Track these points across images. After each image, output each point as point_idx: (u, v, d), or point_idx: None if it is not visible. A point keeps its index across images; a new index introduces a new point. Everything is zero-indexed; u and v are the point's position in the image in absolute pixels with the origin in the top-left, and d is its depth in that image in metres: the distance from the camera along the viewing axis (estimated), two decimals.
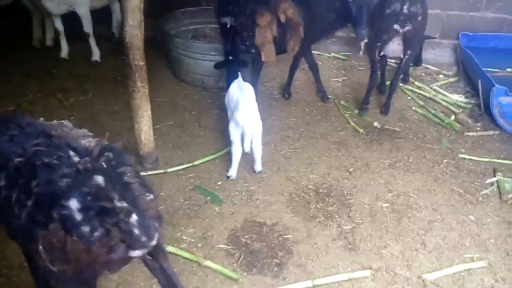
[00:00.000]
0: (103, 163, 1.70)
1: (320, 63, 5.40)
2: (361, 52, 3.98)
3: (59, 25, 4.93)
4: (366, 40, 3.82)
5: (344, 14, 3.84)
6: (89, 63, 5.08)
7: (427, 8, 4.15)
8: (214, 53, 4.45)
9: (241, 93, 3.44)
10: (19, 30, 5.46)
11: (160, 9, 5.22)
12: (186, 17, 5.23)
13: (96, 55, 5.11)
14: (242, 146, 3.32)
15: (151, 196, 1.79)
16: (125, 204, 1.63)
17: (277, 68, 5.27)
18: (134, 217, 1.64)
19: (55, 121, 1.96)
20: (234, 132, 3.32)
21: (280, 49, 4.00)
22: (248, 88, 3.53)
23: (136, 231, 1.64)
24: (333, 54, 5.65)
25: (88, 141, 1.82)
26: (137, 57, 2.97)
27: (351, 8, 3.68)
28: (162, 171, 3.50)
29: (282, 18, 3.78)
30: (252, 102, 3.41)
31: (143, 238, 1.66)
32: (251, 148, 3.34)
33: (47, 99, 4.38)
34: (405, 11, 3.85)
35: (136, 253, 1.71)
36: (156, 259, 1.95)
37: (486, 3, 5.16)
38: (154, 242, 1.71)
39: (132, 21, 2.83)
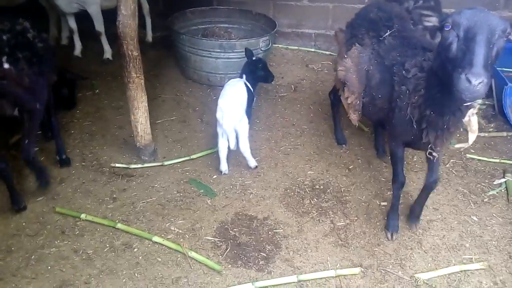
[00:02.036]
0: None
1: (331, 63, 5.34)
2: (470, 139, 2.40)
3: (72, 23, 5.06)
4: (477, 106, 2.29)
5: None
6: (101, 61, 5.18)
7: (441, 5, 4.02)
8: (219, 50, 4.45)
9: (224, 91, 3.41)
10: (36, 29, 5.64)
11: (173, 9, 5.29)
12: (196, 16, 5.26)
13: (107, 53, 5.21)
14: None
15: (10, 67, 2.63)
16: None
17: (286, 67, 5.26)
18: None
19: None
20: (217, 128, 3.32)
21: None
22: (234, 87, 3.45)
23: None
24: None
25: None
26: (131, 47, 2.99)
27: (449, 41, 2.03)
28: (159, 163, 3.50)
29: None
30: (231, 102, 3.29)
31: None
32: (238, 146, 3.31)
33: None
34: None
35: None
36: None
37: (504, 2, 4.96)
38: None
39: (125, 10, 2.86)
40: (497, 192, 3.29)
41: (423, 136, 2.44)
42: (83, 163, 3.50)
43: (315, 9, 5.54)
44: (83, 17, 5.01)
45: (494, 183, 3.39)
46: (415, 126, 2.44)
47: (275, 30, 4.82)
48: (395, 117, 2.57)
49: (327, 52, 5.56)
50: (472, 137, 2.35)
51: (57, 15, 5.34)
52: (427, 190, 2.83)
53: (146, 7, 5.56)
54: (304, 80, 4.96)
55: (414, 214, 2.95)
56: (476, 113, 2.36)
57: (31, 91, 2.83)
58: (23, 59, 2.75)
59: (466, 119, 2.32)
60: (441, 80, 2.17)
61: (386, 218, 2.99)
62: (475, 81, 1.86)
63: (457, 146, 2.63)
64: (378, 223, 3.00)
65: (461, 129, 2.46)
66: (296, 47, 5.73)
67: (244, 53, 4.31)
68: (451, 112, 2.29)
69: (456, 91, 1.95)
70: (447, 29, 2.04)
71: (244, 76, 3.65)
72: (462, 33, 1.97)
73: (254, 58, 3.72)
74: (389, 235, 2.89)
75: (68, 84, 4.10)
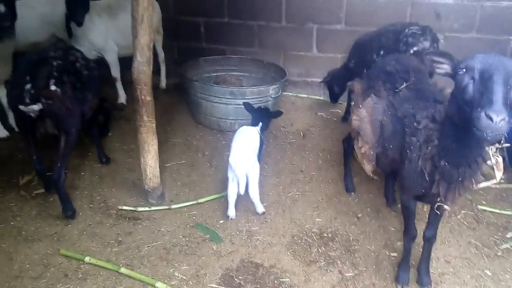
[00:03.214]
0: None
1: (340, 111, 5.41)
2: (498, 176, 2.30)
3: None
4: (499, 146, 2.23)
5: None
6: (115, 106, 5.31)
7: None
8: (229, 97, 4.56)
9: (238, 137, 3.45)
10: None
11: (187, 58, 5.49)
12: (208, 64, 5.44)
13: (122, 98, 5.37)
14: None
15: (56, 89, 3.00)
16: (28, 79, 2.93)
17: (295, 114, 5.34)
18: (28, 86, 2.91)
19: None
20: (229, 173, 3.32)
21: None
22: (247, 133, 3.50)
23: (26, 97, 2.88)
24: None
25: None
26: (145, 92, 3.08)
27: (464, 84, 1.99)
28: (165, 207, 3.50)
29: None
30: (245, 146, 3.34)
31: (27, 100, 2.89)
32: (247, 191, 3.30)
33: None
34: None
35: (21, 107, 2.91)
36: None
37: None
38: (34, 107, 2.92)
39: (140, 57, 2.97)
40: (510, 246, 3.19)
41: (433, 187, 2.35)
42: (91, 205, 3.51)
43: (324, 59, 5.70)
44: (99, 63, 5.20)
45: (507, 236, 3.30)
46: (427, 178, 2.35)
47: (285, 78, 4.94)
48: (405, 169, 2.50)
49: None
50: (499, 174, 2.28)
51: None
52: (426, 245, 2.78)
53: (161, 55, 5.78)
54: (313, 127, 5.02)
55: (422, 272, 2.82)
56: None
57: (72, 115, 3.15)
58: (69, 84, 3.10)
59: (493, 161, 2.28)
60: (458, 128, 2.12)
61: (396, 270, 2.90)
62: (497, 117, 1.80)
63: (482, 185, 2.51)
64: (387, 275, 2.91)
65: (474, 186, 2.39)
66: (306, 95, 5.85)
67: (254, 99, 4.42)
68: (467, 164, 2.21)
69: (477, 131, 1.88)
70: (460, 72, 2.01)
71: (260, 124, 3.69)
72: (478, 75, 1.95)
73: (263, 107, 3.80)
74: None
75: (104, 112, 4.26)
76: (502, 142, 2.09)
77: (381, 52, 4.07)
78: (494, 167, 2.29)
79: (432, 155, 2.30)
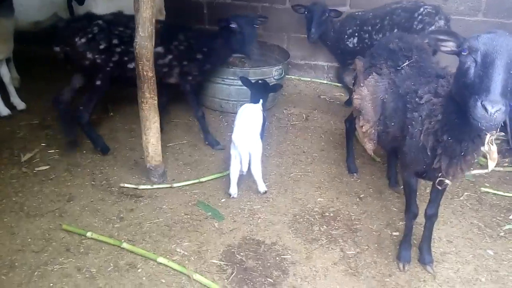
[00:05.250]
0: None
1: (343, 95, 5.37)
2: (490, 166, 2.19)
3: None
4: (496, 134, 2.10)
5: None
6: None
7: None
8: (232, 78, 4.52)
9: (241, 114, 3.43)
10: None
11: None
12: None
13: None
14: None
15: (79, 41, 3.50)
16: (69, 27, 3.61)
17: (298, 97, 5.30)
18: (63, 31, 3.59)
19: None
20: (231, 151, 3.31)
21: None
22: (251, 110, 3.48)
23: (56, 39, 3.58)
24: None
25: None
26: (146, 68, 3.04)
27: (467, 67, 1.94)
28: (167, 185, 3.49)
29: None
30: (248, 123, 3.34)
31: (55, 41, 3.57)
32: (250, 169, 3.29)
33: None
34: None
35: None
36: None
37: None
38: (56, 49, 3.56)
39: (143, 32, 2.93)
40: None
41: (435, 162, 2.31)
42: (93, 182, 3.50)
43: None
44: None
45: (510, 217, 3.29)
46: (428, 153, 2.31)
47: (288, 60, 4.89)
48: (406, 145, 2.49)
49: (340, 84, 5.60)
50: (491, 164, 2.18)
51: None
52: (428, 223, 2.76)
53: None
54: (316, 110, 4.98)
55: (423, 251, 2.82)
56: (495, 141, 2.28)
57: (94, 68, 3.53)
58: (103, 43, 3.49)
59: (486, 148, 2.19)
60: (459, 106, 2.07)
61: (398, 248, 2.89)
62: (492, 109, 1.76)
63: (475, 172, 2.46)
64: (389, 253, 2.91)
65: (476, 159, 2.37)
66: (309, 79, 5.80)
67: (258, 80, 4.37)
68: (470, 139, 2.17)
69: (472, 119, 1.85)
70: (464, 53, 1.94)
71: (261, 101, 3.65)
72: (480, 58, 1.87)
73: (260, 81, 3.74)
74: (401, 266, 2.79)
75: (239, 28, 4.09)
76: (497, 131, 2.03)
77: (395, 31, 4.02)
78: (487, 155, 2.19)
79: (435, 129, 2.26)
